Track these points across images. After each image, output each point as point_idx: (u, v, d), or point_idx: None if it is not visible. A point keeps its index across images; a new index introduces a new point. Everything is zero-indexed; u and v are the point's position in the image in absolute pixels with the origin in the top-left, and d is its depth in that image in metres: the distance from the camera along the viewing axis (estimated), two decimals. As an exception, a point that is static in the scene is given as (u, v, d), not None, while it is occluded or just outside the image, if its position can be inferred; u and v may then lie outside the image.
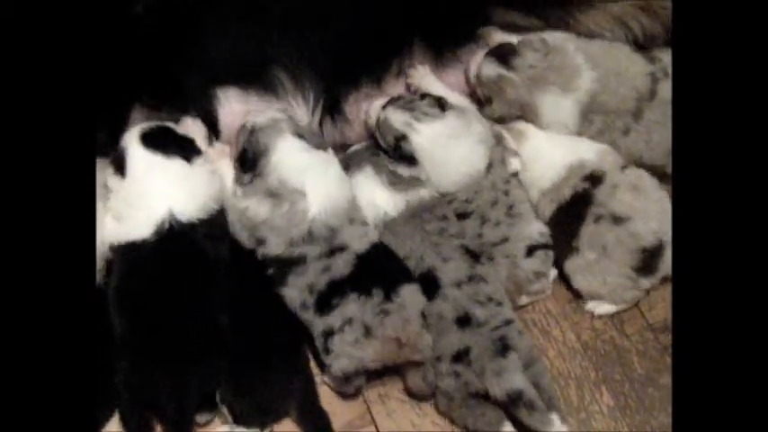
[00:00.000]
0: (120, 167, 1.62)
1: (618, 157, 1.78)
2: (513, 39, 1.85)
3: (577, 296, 1.74)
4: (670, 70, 1.80)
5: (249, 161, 1.66)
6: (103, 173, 1.63)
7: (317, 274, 1.57)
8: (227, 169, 1.73)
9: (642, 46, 1.87)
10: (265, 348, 1.56)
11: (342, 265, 1.58)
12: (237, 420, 1.50)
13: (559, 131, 1.82)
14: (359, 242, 1.61)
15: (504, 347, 1.52)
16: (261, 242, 1.62)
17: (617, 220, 1.67)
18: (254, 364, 1.53)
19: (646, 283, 1.69)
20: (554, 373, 1.64)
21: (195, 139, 1.71)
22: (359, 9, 1.81)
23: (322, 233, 1.60)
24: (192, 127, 1.75)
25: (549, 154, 1.79)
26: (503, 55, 1.81)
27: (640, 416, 1.59)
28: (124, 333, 1.50)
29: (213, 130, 1.80)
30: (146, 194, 1.59)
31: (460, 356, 1.53)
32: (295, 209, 1.60)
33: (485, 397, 1.51)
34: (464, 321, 1.56)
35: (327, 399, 1.59)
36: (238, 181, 1.68)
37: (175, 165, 1.62)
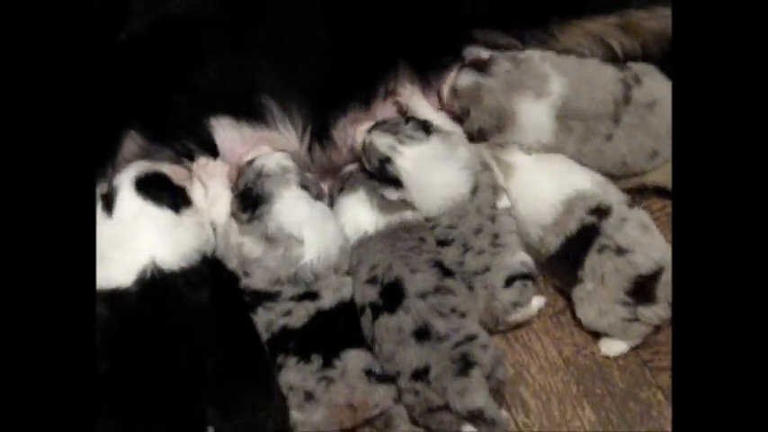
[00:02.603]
0: (108, 205, 1.65)
1: (620, 192, 1.79)
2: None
3: (558, 312, 1.76)
4: (642, 77, 1.84)
5: (251, 202, 1.72)
6: None
7: (279, 315, 1.63)
8: (223, 190, 1.78)
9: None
10: (249, 368, 1.61)
11: (300, 316, 1.63)
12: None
13: (538, 138, 1.83)
14: (331, 296, 1.66)
15: (466, 365, 1.55)
16: (247, 274, 1.67)
17: (620, 251, 1.68)
18: (238, 384, 1.57)
19: (646, 313, 1.67)
20: (536, 389, 1.68)
21: (213, 178, 1.77)
22: (343, 35, 1.84)
23: (306, 277, 1.65)
24: (209, 168, 1.80)
25: (539, 188, 1.79)
26: (478, 65, 1.84)
27: (622, 430, 1.62)
28: (106, 375, 1.52)
29: (212, 152, 1.84)
30: (131, 239, 1.62)
31: (419, 375, 1.56)
32: (289, 254, 1.66)
33: (445, 407, 1.54)
34: (423, 334, 1.59)
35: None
36: (236, 216, 1.73)
37: (164, 214, 1.65)
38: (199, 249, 1.66)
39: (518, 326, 1.76)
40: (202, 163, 1.80)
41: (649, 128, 1.83)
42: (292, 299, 1.63)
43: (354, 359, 1.59)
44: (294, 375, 1.57)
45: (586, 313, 1.72)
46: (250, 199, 1.72)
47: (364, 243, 1.73)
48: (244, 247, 1.68)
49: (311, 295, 1.64)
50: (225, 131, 1.82)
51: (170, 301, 1.59)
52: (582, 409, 1.65)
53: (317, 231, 1.68)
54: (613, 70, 1.86)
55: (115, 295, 1.58)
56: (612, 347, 1.72)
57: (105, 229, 1.63)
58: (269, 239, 1.66)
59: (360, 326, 1.66)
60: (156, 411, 1.50)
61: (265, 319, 1.63)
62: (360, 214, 1.76)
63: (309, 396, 1.55)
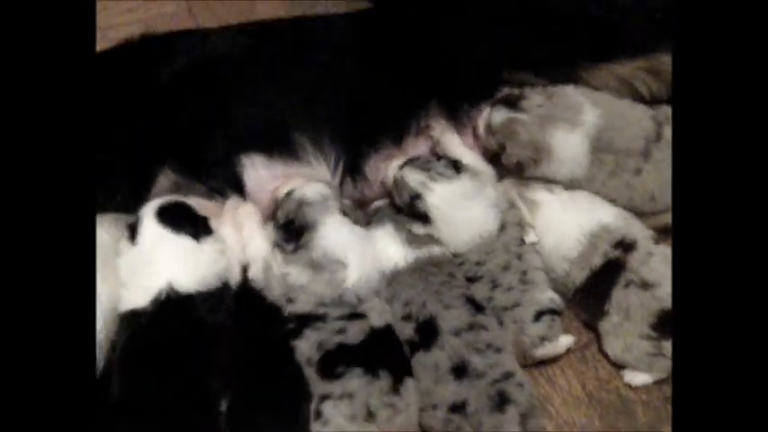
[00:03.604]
0: (132, 234, 1.73)
1: (644, 227, 1.82)
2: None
3: (583, 346, 1.80)
4: (671, 116, 1.86)
5: (294, 232, 1.78)
6: (120, 230, 1.75)
7: (331, 333, 1.65)
8: (256, 227, 1.84)
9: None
10: (268, 398, 1.63)
11: (355, 333, 1.65)
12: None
13: (573, 170, 1.87)
14: (378, 317, 1.69)
15: (502, 401, 1.57)
16: (291, 301, 1.72)
17: (645, 285, 1.71)
18: (256, 411, 1.60)
19: (670, 347, 1.68)
20: (559, 422, 1.69)
21: (246, 218, 1.84)
22: (376, 73, 1.93)
23: (351, 300, 1.69)
24: (241, 209, 1.87)
25: (564, 223, 1.83)
26: (510, 101, 1.90)
27: (642, 464, 1.63)
28: (121, 393, 1.58)
29: (239, 189, 1.91)
30: (149, 265, 1.69)
31: (457, 408, 1.58)
32: (334, 277, 1.70)
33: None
34: (461, 371, 1.61)
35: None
36: (279, 247, 1.79)
37: (182, 241, 1.71)
38: (218, 276, 1.71)
39: (543, 361, 1.79)
40: (234, 205, 1.87)
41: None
42: (341, 318, 1.66)
43: (412, 391, 1.61)
44: (359, 385, 1.57)
45: (613, 347, 1.74)
46: (294, 230, 1.77)
47: (396, 277, 1.78)
48: (289, 277, 1.73)
49: (358, 316, 1.67)
50: (255, 169, 1.89)
51: (186, 323, 1.64)
52: (603, 444, 1.67)
53: (359, 255, 1.73)
54: (645, 108, 1.91)
55: (133, 315, 1.64)
56: (636, 379, 1.73)
57: (128, 257, 1.71)
58: (315, 266, 1.71)
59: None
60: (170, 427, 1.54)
61: (315, 339, 1.64)
62: (389, 247, 1.81)
63: (371, 415, 1.56)
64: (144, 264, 1.69)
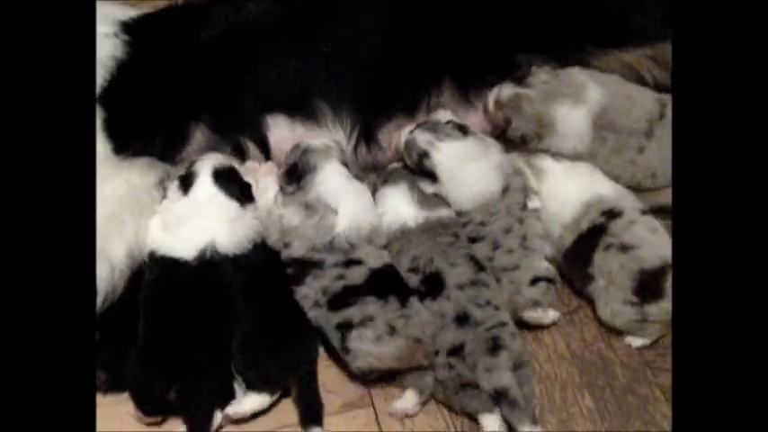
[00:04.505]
0: (185, 186, 1.88)
1: (637, 200, 1.93)
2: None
3: (572, 311, 1.90)
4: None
5: (296, 175, 1.92)
6: (155, 175, 1.92)
7: (332, 279, 1.78)
8: (272, 185, 1.98)
9: (653, 93, 2.05)
10: (278, 330, 1.77)
11: (357, 276, 1.79)
12: (248, 387, 1.70)
13: (576, 145, 1.98)
14: (374, 260, 1.82)
15: (496, 346, 1.69)
16: (287, 245, 1.86)
17: (624, 248, 1.82)
18: (266, 341, 1.74)
19: (653, 310, 1.79)
20: (542, 376, 1.80)
21: (265, 176, 1.98)
22: (396, 48, 2.07)
23: (342, 246, 1.82)
24: (262, 168, 2.02)
25: (566, 190, 1.95)
26: (517, 78, 2.03)
27: (618, 420, 1.72)
28: (147, 334, 1.73)
29: (264, 151, 2.06)
30: (198, 220, 1.84)
31: (455, 350, 1.71)
32: (324, 222, 1.84)
33: (475, 386, 1.68)
34: (462, 320, 1.74)
35: (331, 379, 1.78)
36: (282, 191, 1.93)
37: (230, 205, 1.87)
38: (252, 240, 1.86)
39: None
40: (255, 165, 2.02)
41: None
42: (337, 265, 1.79)
43: (419, 305, 1.76)
44: (375, 309, 1.71)
45: (604, 313, 1.85)
46: (296, 173, 1.91)
47: (405, 234, 1.89)
48: (284, 219, 1.86)
49: (355, 262, 1.80)
50: (279, 129, 2.03)
51: (214, 282, 1.79)
52: (582, 397, 1.75)
53: (351, 204, 1.85)
54: (651, 92, 2.02)
55: (173, 263, 1.80)
56: (636, 341, 1.84)
57: (178, 206, 1.87)
58: (307, 207, 1.85)
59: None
60: (186, 361, 1.69)
61: (318, 286, 1.78)
62: (401, 206, 1.93)
63: (392, 329, 1.69)
64: (192, 217, 1.84)
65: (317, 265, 1.81)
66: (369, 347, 1.70)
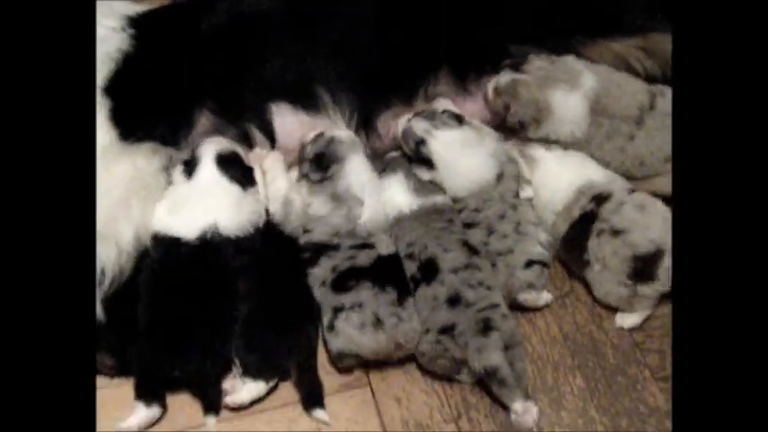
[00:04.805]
0: (189, 169, 1.95)
1: (626, 182, 1.99)
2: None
3: (564, 295, 1.96)
4: (666, 92, 2.04)
5: (324, 164, 1.98)
6: (160, 159, 1.97)
7: (343, 259, 1.85)
8: (281, 171, 2.04)
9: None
10: (278, 316, 1.82)
11: (365, 258, 1.85)
12: (246, 372, 1.74)
13: (573, 130, 2.04)
14: (385, 248, 1.89)
15: (486, 327, 1.74)
16: (307, 231, 1.92)
17: (615, 233, 1.88)
18: (265, 326, 1.79)
19: (646, 290, 1.85)
20: (534, 357, 1.85)
21: (271, 163, 2.03)
22: (394, 38, 2.12)
23: (362, 234, 1.89)
24: (268, 156, 2.07)
25: (558, 178, 2.01)
26: (515, 65, 2.09)
27: (607, 399, 1.78)
28: (148, 311, 1.79)
29: (270, 137, 2.11)
30: (201, 202, 1.90)
31: (446, 330, 1.76)
32: (352, 213, 1.91)
33: (464, 362, 1.74)
34: (454, 301, 1.79)
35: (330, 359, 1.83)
36: (308, 177, 1.99)
37: (233, 188, 1.93)
38: (253, 223, 1.92)
39: (526, 307, 1.94)
40: (261, 152, 2.07)
41: (669, 134, 2.01)
42: (352, 248, 1.86)
43: (413, 309, 1.80)
44: (368, 296, 1.78)
45: (599, 293, 1.92)
46: (323, 161, 1.97)
47: (400, 221, 1.96)
48: (311, 208, 1.93)
49: (368, 246, 1.87)
50: (283, 117, 2.08)
51: (214, 262, 1.85)
52: (573, 378, 1.81)
53: (373, 196, 1.94)
54: (641, 82, 2.08)
55: (174, 242, 1.85)
56: (627, 321, 1.90)
57: (182, 188, 1.93)
58: (336, 198, 1.92)
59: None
60: (186, 350, 1.74)
61: (329, 265, 1.85)
62: (397, 194, 1.99)
63: (379, 322, 1.75)
64: (196, 199, 1.90)
65: (335, 247, 1.88)
66: (352, 332, 1.76)
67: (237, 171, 1.96)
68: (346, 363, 1.81)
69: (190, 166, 1.96)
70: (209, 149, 1.97)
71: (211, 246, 1.86)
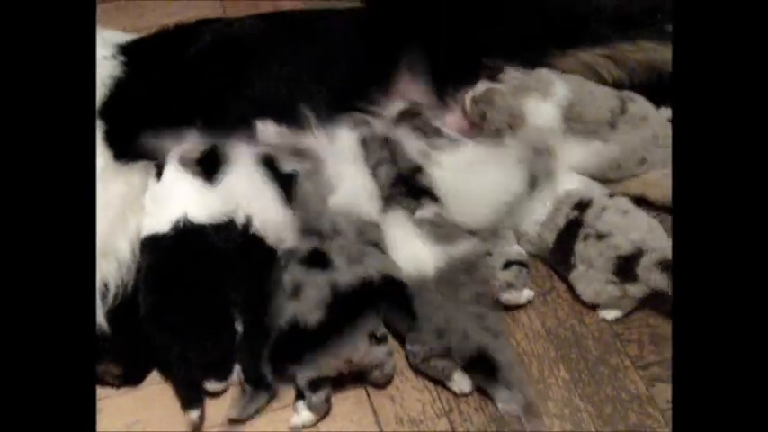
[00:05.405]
0: (159, 173, 2.04)
1: (603, 188, 2.08)
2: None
3: (546, 292, 2.05)
4: (635, 98, 2.16)
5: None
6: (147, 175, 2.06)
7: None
8: (264, 191, 2.07)
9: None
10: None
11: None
12: (248, 381, 1.79)
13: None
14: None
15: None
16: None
17: (600, 236, 1.95)
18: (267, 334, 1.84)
19: (632, 289, 1.92)
20: (519, 352, 1.92)
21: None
22: (373, 58, 2.23)
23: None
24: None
25: None
26: (490, 75, 2.20)
27: (591, 388, 1.85)
28: (147, 308, 1.86)
29: None
30: (169, 199, 1.99)
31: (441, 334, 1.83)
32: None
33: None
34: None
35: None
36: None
37: (196, 182, 2.01)
38: (224, 213, 1.97)
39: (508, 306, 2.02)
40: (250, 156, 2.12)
41: (642, 137, 2.12)
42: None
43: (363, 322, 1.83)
44: (310, 279, 1.82)
45: (585, 291, 1.98)
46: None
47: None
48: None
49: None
50: (269, 134, 2.14)
51: (200, 248, 1.92)
52: (558, 370, 1.89)
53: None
54: (610, 89, 2.19)
55: (155, 239, 1.94)
56: (610, 314, 1.98)
57: (153, 191, 2.02)
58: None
59: None
60: (183, 340, 1.80)
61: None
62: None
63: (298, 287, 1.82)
64: (164, 198, 1.99)
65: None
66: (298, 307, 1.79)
67: (199, 167, 2.03)
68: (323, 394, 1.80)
69: (159, 170, 2.05)
70: (174, 152, 2.05)
71: (186, 233, 1.93)
